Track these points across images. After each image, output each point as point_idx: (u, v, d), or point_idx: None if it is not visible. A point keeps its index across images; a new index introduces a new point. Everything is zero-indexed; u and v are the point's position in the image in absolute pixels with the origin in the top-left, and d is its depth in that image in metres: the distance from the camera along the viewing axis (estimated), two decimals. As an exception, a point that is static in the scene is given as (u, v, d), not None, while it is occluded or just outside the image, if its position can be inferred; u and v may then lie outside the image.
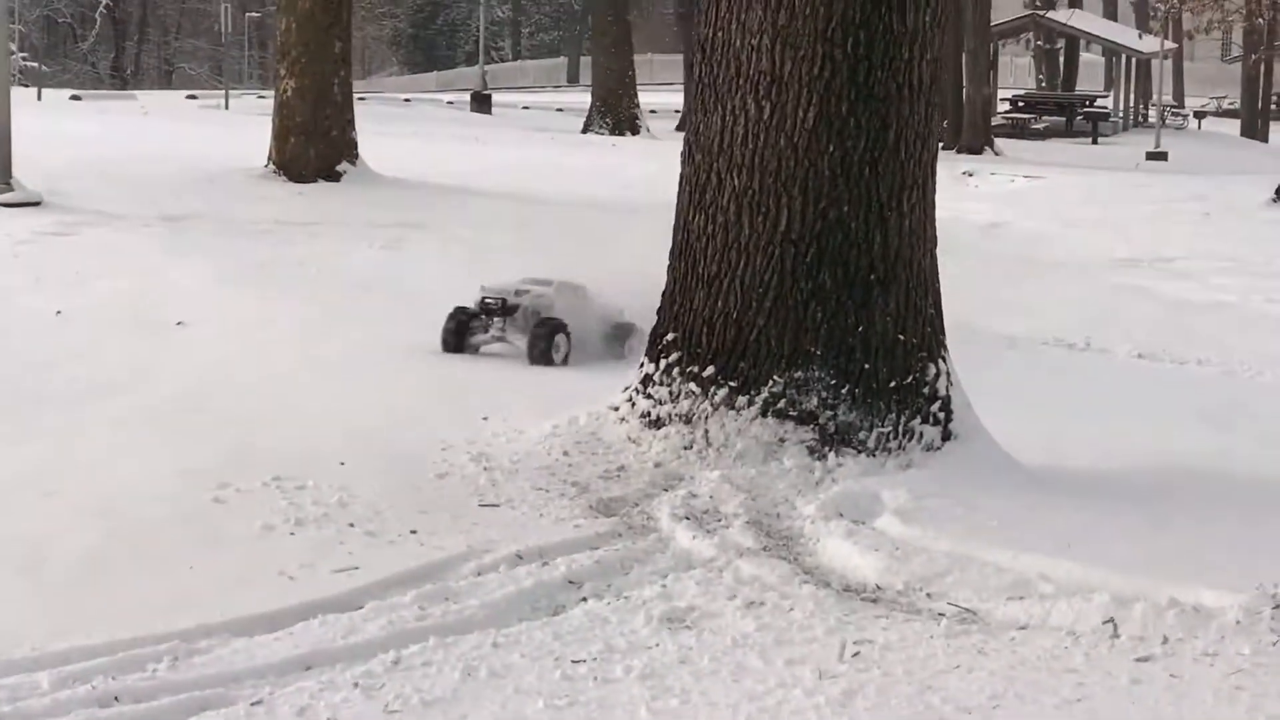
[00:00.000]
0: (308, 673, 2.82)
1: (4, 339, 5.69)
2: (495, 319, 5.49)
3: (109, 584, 3.34)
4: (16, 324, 6.09)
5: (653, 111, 25.45)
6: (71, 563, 3.41)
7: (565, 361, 5.42)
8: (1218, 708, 2.44)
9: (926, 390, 3.82)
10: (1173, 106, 29.45)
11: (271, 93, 13.65)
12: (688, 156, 4.04)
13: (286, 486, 3.78)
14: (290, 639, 2.98)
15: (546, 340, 5.33)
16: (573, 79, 40.88)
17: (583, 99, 27.22)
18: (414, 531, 3.55)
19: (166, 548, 3.53)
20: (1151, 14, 30.23)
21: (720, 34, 3.80)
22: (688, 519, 3.63)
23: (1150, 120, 24.86)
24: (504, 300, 5.45)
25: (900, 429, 3.75)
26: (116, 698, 2.75)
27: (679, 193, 4.10)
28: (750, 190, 3.75)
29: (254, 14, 32.31)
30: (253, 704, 2.63)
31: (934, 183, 3.97)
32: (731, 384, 3.79)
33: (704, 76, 3.95)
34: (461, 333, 5.49)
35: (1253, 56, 27.09)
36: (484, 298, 5.48)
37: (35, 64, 30.41)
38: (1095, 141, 23.93)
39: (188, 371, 5.39)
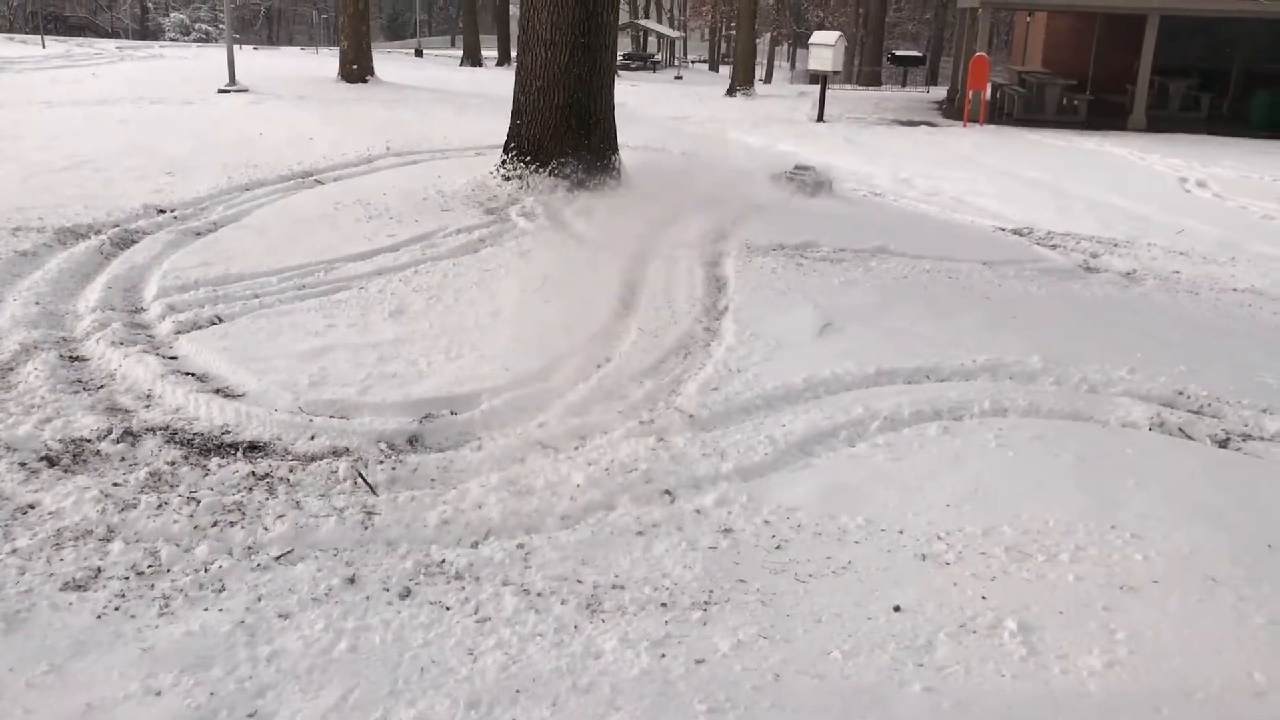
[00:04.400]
0: (380, 276, 8.01)
1: (245, 145, 11.28)
2: None
3: (304, 241, 8.57)
4: (243, 136, 11.80)
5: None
6: (283, 229, 8.67)
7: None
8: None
9: (612, 166, 9.31)
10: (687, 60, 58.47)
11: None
12: (518, 73, 9.25)
13: (364, 204, 9.12)
14: (371, 263, 8.21)
15: None
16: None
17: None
18: (416, 221, 8.85)
19: (319, 228, 8.77)
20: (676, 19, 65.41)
21: (530, 20, 8.97)
22: (522, 215, 9.02)
23: (675, 64, 52.03)
24: None
25: (602, 181, 9.19)
26: (305, 285, 8.01)
27: (514, 88, 9.32)
28: (543, 87, 9.02)
29: None
30: (360, 289, 7.83)
31: (613, 83, 9.33)
32: (537, 163, 9.18)
33: (523, 37, 9.13)
34: None
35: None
36: None
37: None
38: (654, 72, 44.88)
39: (315, 156, 10.74)
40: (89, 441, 4.31)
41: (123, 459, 4.19)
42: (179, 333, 5.72)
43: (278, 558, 3.44)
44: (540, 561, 3.43)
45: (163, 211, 8.57)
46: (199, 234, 7.99)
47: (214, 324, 5.87)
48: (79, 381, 5.02)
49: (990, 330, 5.79)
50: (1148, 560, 3.42)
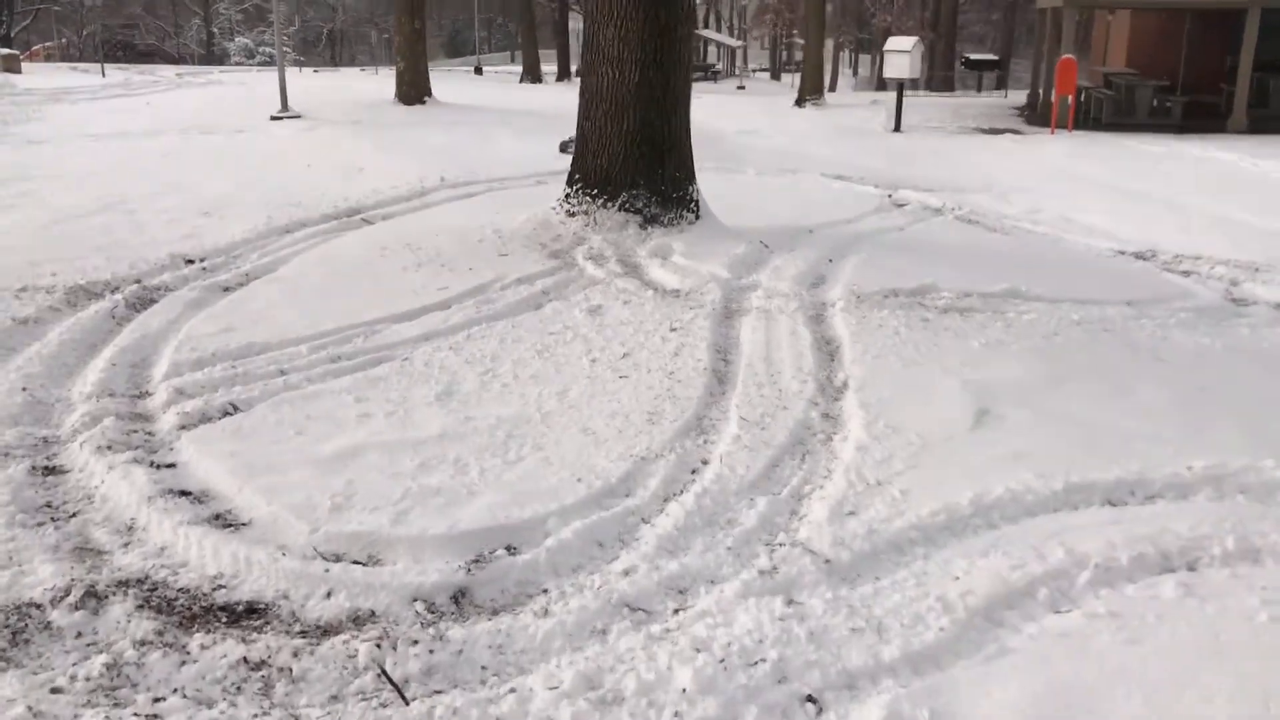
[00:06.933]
0: (427, 341, 6.64)
1: (291, 180, 10.66)
2: None
3: (342, 298, 7.49)
4: (290, 169, 11.33)
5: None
6: (320, 283, 7.63)
7: None
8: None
9: (688, 198, 8.17)
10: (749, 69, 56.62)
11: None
12: (581, 95, 8.11)
13: (412, 248, 8.07)
14: (417, 324, 6.92)
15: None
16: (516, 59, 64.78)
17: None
18: (470, 269, 7.76)
19: (361, 279, 7.71)
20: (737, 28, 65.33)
21: (595, 36, 7.88)
22: (590, 259, 7.89)
23: (737, 74, 51.36)
24: None
25: (679, 215, 8.07)
26: (340, 357, 6.62)
27: (578, 114, 8.23)
28: (611, 111, 7.93)
29: None
30: (403, 359, 6.50)
31: (689, 103, 8.16)
32: (605, 197, 8.08)
33: (587, 56, 8.04)
34: None
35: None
36: None
37: None
38: (715, 82, 44.28)
39: (364, 190, 9.82)
40: (38, 608, 3.28)
41: (78, 636, 3.17)
42: (184, 427, 4.72)
43: (259, 831, 2.37)
44: (638, 844, 2.31)
45: (190, 262, 7.63)
46: (227, 289, 7.02)
47: (227, 415, 4.86)
48: (48, 507, 4.02)
49: (1187, 411, 4.58)
50: None
